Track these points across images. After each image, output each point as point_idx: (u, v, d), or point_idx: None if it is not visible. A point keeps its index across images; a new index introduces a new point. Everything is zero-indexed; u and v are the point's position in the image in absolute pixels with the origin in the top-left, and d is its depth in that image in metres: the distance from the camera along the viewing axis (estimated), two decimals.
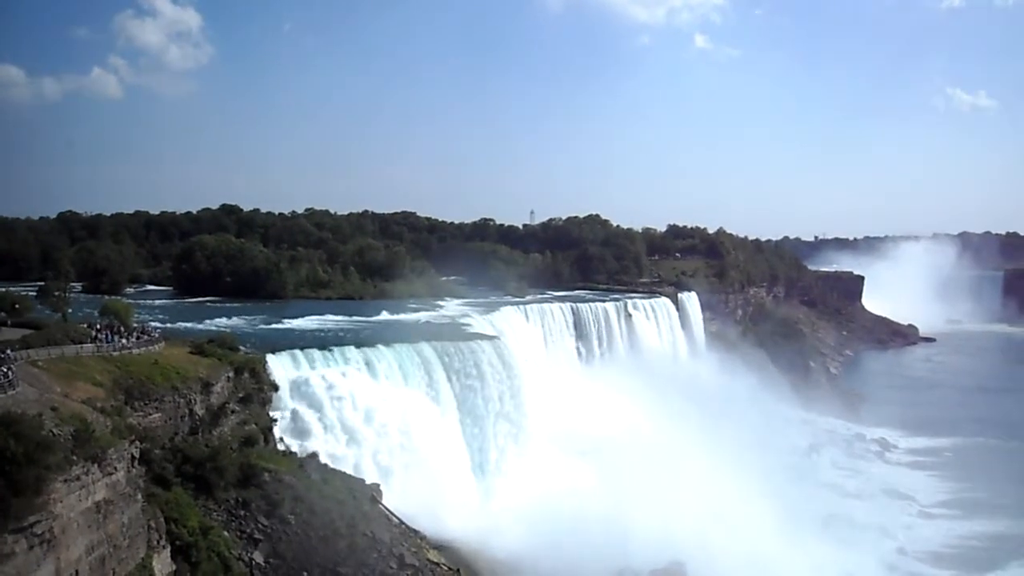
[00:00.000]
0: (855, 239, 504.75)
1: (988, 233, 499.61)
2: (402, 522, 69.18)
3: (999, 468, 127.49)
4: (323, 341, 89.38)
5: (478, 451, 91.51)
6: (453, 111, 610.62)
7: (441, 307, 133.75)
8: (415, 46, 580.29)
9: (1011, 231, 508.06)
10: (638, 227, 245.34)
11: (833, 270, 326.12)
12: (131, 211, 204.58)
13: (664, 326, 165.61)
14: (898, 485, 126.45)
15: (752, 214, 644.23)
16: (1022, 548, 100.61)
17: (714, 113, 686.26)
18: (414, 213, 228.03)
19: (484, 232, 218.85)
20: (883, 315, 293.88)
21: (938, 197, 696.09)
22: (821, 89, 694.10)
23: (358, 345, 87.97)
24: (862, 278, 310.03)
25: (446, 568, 67.14)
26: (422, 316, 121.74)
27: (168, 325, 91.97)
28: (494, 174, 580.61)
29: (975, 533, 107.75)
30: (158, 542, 50.20)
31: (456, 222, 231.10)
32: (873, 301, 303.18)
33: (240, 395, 69.44)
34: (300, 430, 74.62)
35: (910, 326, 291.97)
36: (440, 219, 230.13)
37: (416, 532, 69.29)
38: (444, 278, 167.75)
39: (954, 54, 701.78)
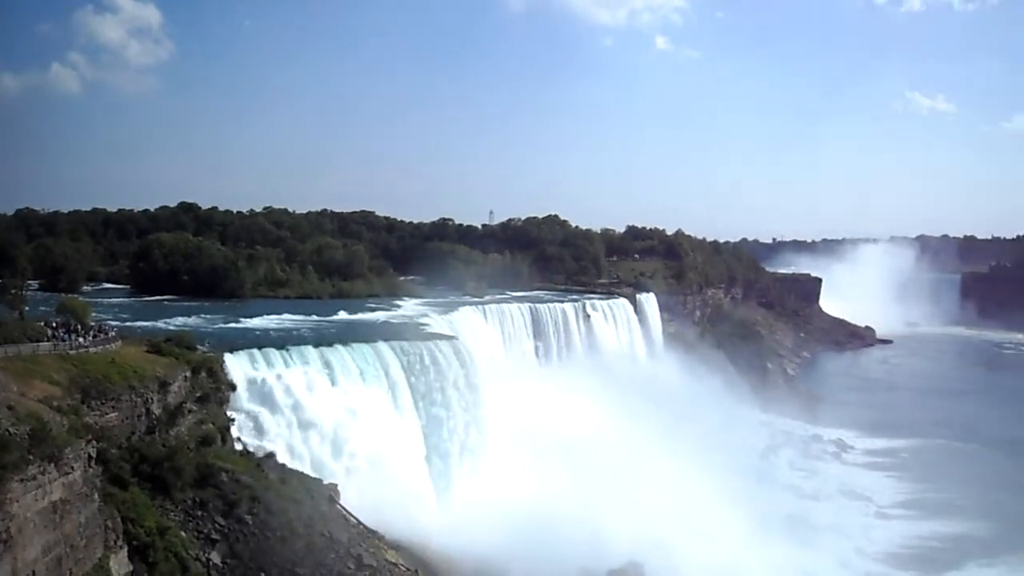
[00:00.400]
0: (813, 241, 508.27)
1: (946, 236, 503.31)
2: (360, 522, 69.12)
3: (956, 469, 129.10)
4: (281, 341, 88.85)
5: (437, 451, 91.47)
6: (413, 111, 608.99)
7: (400, 307, 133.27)
8: (374, 46, 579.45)
9: (968, 234, 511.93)
10: (597, 228, 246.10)
11: (791, 272, 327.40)
12: (89, 208, 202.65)
13: (622, 327, 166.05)
14: (855, 486, 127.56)
15: (711, 216, 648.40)
16: (979, 548, 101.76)
17: (674, 115, 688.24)
18: (373, 212, 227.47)
19: (443, 232, 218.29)
20: (841, 317, 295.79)
21: (896, 200, 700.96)
22: (781, 91, 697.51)
23: (316, 345, 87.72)
24: (820, 280, 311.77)
25: (404, 568, 67.17)
26: (380, 316, 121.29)
27: (125, 324, 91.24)
28: (454, 174, 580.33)
29: (932, 533, 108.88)
30: (115, 542, 50.06)
31: (415, 222, 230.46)
32: (831, 303, 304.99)
33: (197, 395, 69.04)
34: (258, 430, 74.42)
35: (867, 328, 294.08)
36: (399, 219, 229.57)
37: (374, 532, 69.28)
38: (403, 278, 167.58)
39: (913, 58, 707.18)
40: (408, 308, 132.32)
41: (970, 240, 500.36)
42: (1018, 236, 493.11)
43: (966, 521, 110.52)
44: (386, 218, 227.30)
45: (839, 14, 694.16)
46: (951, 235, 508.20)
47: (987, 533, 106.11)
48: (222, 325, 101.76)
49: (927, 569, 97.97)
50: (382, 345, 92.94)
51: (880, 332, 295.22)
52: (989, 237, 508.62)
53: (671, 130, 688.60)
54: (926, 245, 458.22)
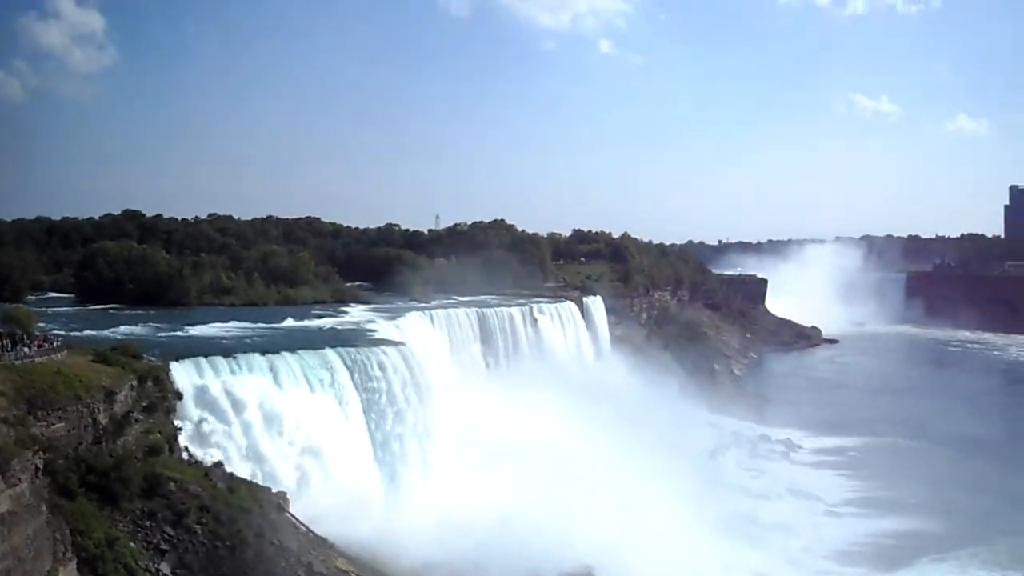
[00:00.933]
0: (759, 242, 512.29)
1: (890, 236, 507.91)
2: (310, 530, 69.01)
3: (903, 467, 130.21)
4: (227, 348, 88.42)
5: (385, 458, 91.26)
6: (357, 115, 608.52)
7: (346, 313, 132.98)
8: (318, 49, 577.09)
9: (913, 234, 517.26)
10: (543, 232, 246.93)
11: (737, 273, 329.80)
12: (32, 217, 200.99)
13: (570, 330, 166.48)
14: (804, 485, 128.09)
15: (657, 218, 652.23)
16: (928, 545, 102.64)
17: (619, 118, 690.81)
18: (318, 219, 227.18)
19: (389, 237, 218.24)
20: (787, 317, 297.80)
21: (842, 201, 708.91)
22: (725, 94, 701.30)
23: (263, 352, 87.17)
24: (765, 281, 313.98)
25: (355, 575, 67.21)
26: (327, 322, 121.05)
27: (71, 333, 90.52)
28: (400, 179, 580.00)
29: (881, 531, 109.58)
30: (64, 554, 49.71)
31: (361, 227, 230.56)
32: (777, 304, 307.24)
33: (144, 404, 68.50)
34: (205, 439, 73.97)
35: (813, 328, 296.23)
36: (345, 224, 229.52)
37: (324, 540, 69.14)
38: (349, 284, 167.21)
39: (857, 60, 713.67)
40: (355, 314, 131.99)
41: (915, 239, 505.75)
42: (962, 235, 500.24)
43: (916, 518, 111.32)
44: (332, 224, 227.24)
45: (783, 17, 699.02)
46: (896, 235, 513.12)
47: (937, 529, 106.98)
48: (168, 333, 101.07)
49: (878, 566, 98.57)
50: (329, 352, 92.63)
51: (826, 332, 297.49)
52: (934, 236, 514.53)
53: (616, 134, 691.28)
54: (871, 245, 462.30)
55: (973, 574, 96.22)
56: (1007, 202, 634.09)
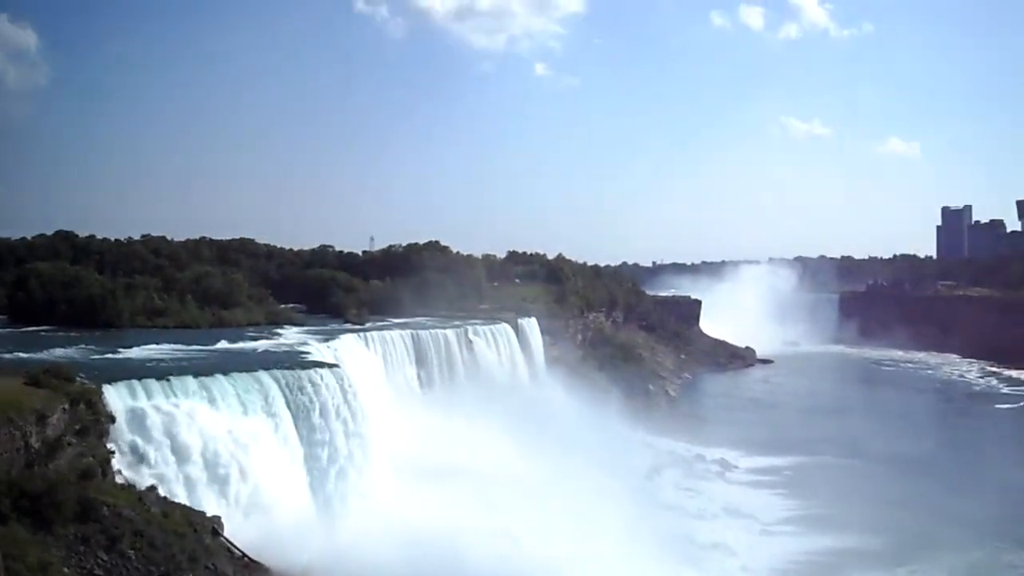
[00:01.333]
0: (693, 264, 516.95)
1: (824, 257, 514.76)
2: (244, 554, 68.67)
3: (839, 486, 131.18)
4: (160, 371, 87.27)
5: (320, 480, 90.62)
6: (292, 136, 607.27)
7: (280, 335, 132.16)
8: (250, 69, 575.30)
9: (846, 255, 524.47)
10: (478, 253, 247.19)
11: (671, 294, 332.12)
12: None
13: (505, 352, 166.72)
14: (739, 504, 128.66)
15: (592, 240, 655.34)
16: (864, 562, 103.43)
17: (554, 140, 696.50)
18: (252, 240, 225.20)
19: (323, 259, 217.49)
20: (721, 338, 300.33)
21: (774, 222, 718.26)
22: (659, 117, 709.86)
23: (196, 375, 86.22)
24: (699, 302, 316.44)
25: None
26: (261, 344, 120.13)
27: (2, 355, 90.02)
28: (334, 200, 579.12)
29: (818, 549, 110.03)
30: None
31: (295, 249, 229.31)
32: (711, 324, 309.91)
33: (76, 427, 67.64)
34: (139, 462, 73.20)
35: (748, 348, 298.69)
36: (279, 246, 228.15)
37: (259, 564, 68.81)
38: (283, 306, 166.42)
39: (790, 83, 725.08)
40: (289, 336, 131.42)
41: (848, 260, 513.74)
42: (895, 255, 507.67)
43: (852, 536, 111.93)
44: (266, 245, 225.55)
45: (716, 41, 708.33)
46: (829, 256, 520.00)
47: (875, 547, 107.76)
48: (100, 356, 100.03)
49: None
50: (263, 374, 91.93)
51: (761, 352, 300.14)
52: (867, 257, 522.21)
53: (552, 155, 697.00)
54: (805, 266, 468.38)
55: None
56: (939, 223, 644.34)
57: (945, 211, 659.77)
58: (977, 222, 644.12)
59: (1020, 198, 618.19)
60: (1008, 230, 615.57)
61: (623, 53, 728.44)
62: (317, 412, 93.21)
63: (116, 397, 75.83)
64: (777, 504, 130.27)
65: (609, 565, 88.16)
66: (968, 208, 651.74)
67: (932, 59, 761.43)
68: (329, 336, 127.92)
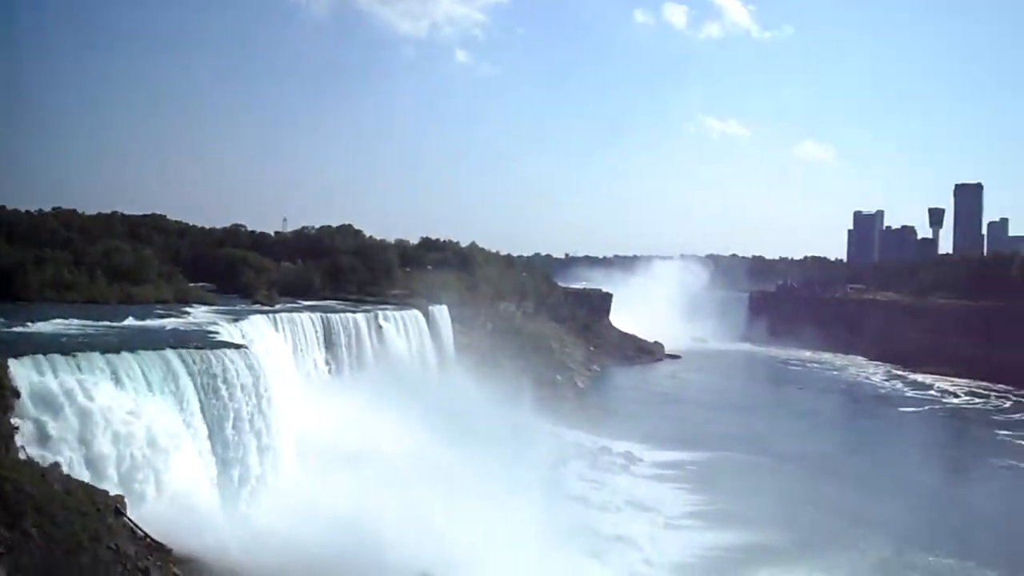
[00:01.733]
0: (605, 257, 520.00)
1: (735, 256, 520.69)
2: (147, 535, 68.04)
3: (743, 481, 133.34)
4: (67, 346, 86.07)
5: (226, 463, 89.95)
6: (209, 113, 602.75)
7: (189, 313, 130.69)
8: (165, 45, 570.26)
9: (757, 254, 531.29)
10: (391, 238, 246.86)
11: (582, 287, 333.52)
12: None
13: (414, 338, 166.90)
14: (643, 497, 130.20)
15: (505, 230, 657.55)
16: (770, 557, 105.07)
17: (471, 128, 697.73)
18: (164, 216, 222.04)
19: (235, 238, 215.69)
20: (631, 332, 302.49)
21: (688, 219, 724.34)
22: (577, 109, 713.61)
23: (103, 351, 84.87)
24: (610, 295, 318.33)
25: None
26: (169, 322, 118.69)
27: None
28: (248, 180, 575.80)
29: (720, 543, 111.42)
30: None
31: (207, 227, 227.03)
32: (622, 318, 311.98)
33: None
34: (42, 439, 72.07)
35: (656, 343, 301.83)
36: (191, 223, 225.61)
37: (161, 546, 68.13)
38: (193, 284, 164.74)
39: (709, 83, 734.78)
40: (198, 315, 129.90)
41: (759, 260, 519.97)
42: (806, 257, 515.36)
43: (756, 531, 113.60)
44: (177, 222, 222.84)
45: (639, 36, 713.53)
46: (740, 255, 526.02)
47: (779, 543, 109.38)
48: (7, 329, 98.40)
49: None
50: (170, 352, 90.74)
51: (669, 347, 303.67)
52: (777, 257, 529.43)
53: (467, 143, 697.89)
54: (716, 263, 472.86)
55: None
56: (851, 227, 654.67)
57: (857, 215, 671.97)
58: (889, 227, 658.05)
59: (932, 206, 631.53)
60: (919, 237, 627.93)
61: (545, 44, 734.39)
62: (224, 393, 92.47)
63: (21, 371, 74.54)
64: (681, 498, 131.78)
65: (511, 553, 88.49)
66: (880, 213, 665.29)
67: (850, 64, 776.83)
68: (238, 316, 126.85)
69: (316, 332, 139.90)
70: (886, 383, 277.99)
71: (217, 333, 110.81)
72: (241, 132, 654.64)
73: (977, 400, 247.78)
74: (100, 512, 64.85)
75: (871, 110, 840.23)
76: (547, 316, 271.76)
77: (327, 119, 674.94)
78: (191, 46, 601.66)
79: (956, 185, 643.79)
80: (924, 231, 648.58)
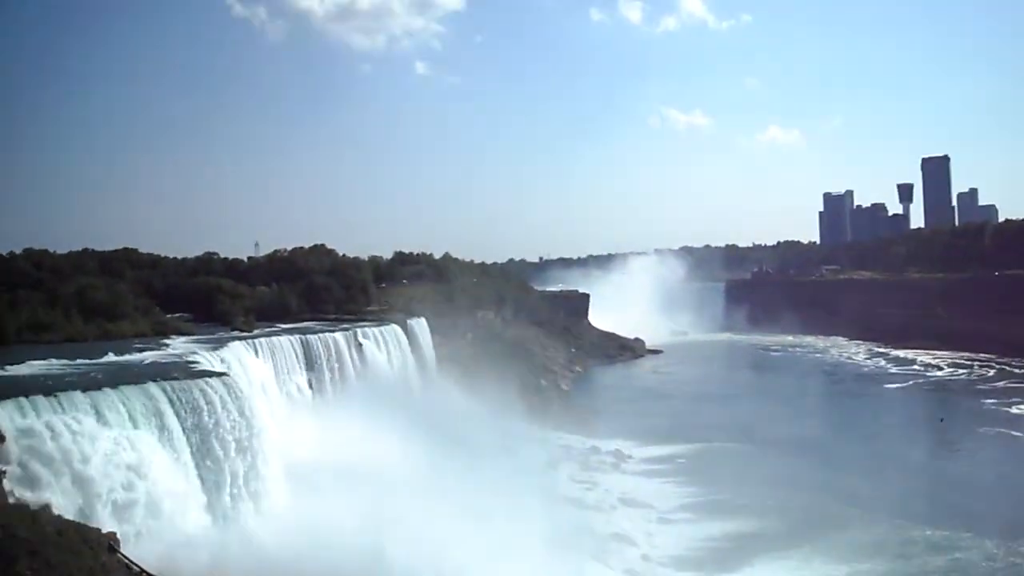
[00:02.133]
0: (580, 258, 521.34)
1: (708, 246, 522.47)
2: (143, 570, 68.01)
3: (733, 471, 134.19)
4: (49, 387, 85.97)
5: (215, 492, 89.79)
6: (172, 142, 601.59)
7: (168, 345, 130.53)
8: (128, 76, 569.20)
9: (731, 243, 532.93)
10: (365, 255, 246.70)
11: (559, 289, 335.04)
12: None
13: (395, 353, 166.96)
14: (636, 494, 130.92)
15: (477, 238, 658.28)
16: (762, 544, 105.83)
17: (437, 139, 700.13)
18: (136, 250, 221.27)
19: (209, 266, 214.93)
20: (610, 330, 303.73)
21: (660, 214, 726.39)
22: (541, 113, 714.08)
23: (84, 390, 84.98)
24: (587, 296, 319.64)
25: None
26: (148, 356, 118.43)
27: None
28: (217, 206, 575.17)
29: (716, 534, 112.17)
30: None
31: (180, 257, 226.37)
32: (601, 317, 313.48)
33: None
34: (30, 481, 72.09)
35: (637, 339, 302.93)
36: (163, 255, 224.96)
37: None
38: (170, 315, 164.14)
39: (669, 75, 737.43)
40: (177, 346, 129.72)
41: (733, 249, 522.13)
42: (779, 242, 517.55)
43: (750, 520, 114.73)
44: (149, 255, 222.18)
45: (596, 35, 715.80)
46: (713, 245, 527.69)
47: (774, 529, 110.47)
48: None
49: (713, 569, 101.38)
50: (152, 386, 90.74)
51: (650, 343, 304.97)
52: (751, 245, 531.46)
53: (434, 154, 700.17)
54: (690, 256, 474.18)
55: (817, 567, 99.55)
56: (821, 208, 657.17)
57: (827, 196, 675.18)
58: (859, 206, 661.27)
59: (901, 181, 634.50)
60: (890, 213, 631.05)
61: (504, 50, 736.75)
62: (208, 422, 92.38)
63: (4, 415, 74.69)
64: (673, 492, 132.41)
65: (509, 560, 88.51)
66: (850, 193, 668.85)
67: (811, 48, 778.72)
68: (217, 344, 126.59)
69: (296, 354, 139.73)
70: (869, 361, 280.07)
71: (197, 363, 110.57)
72: (207, 159, 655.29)
73: (961, 371, 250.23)
74: (93, 550, 64.88)
75: (834, 92, 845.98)
76: (526, 321, 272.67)
77: (292, 141, 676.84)
78: (150, 78, 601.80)
79: (923, 159, 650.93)
80: (895, 207, 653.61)
